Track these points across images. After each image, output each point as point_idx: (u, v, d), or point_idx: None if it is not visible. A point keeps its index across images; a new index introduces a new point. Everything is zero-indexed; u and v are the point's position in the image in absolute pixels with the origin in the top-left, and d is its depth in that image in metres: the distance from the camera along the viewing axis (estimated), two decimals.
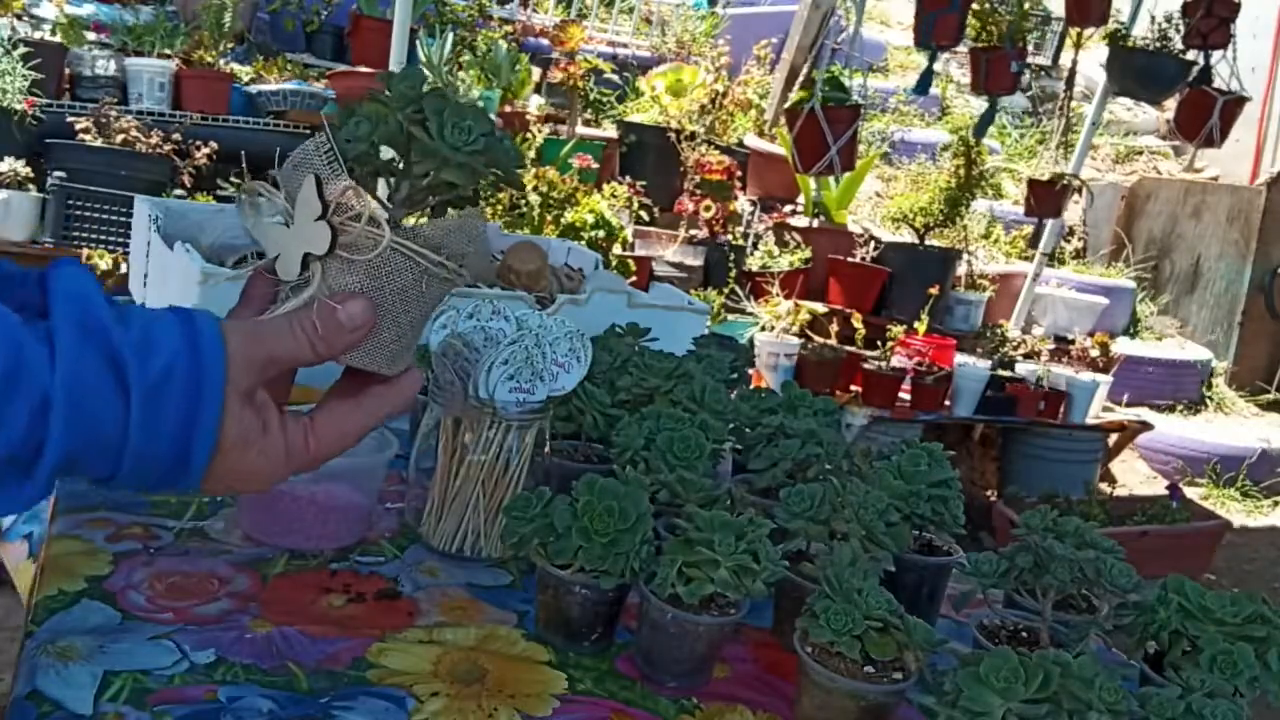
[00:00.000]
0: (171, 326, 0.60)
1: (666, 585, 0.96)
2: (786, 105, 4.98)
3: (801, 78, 5.95)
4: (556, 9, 7.25)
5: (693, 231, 5.57)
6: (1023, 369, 5.06)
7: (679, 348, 1.50)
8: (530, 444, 1.18)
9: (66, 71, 4.66)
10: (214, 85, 4.80)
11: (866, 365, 4.59)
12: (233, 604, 1.01)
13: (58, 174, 4.10)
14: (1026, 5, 4.67)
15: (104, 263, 3.88)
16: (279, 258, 0.68)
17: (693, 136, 5.85)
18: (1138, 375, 5.99)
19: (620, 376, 1.36)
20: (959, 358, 4.86)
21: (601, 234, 4.75)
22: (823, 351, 4.70)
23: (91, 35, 4.90)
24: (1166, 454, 5.68)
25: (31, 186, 4.14)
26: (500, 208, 4.71)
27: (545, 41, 6.41)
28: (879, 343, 4.83)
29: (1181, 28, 4.71)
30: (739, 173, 5.98)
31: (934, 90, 7.78)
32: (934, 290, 5.17)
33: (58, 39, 4.76)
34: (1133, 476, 5.59)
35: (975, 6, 4.63)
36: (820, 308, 5.13)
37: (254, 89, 4.98)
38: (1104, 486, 5.28)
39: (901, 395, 4.62)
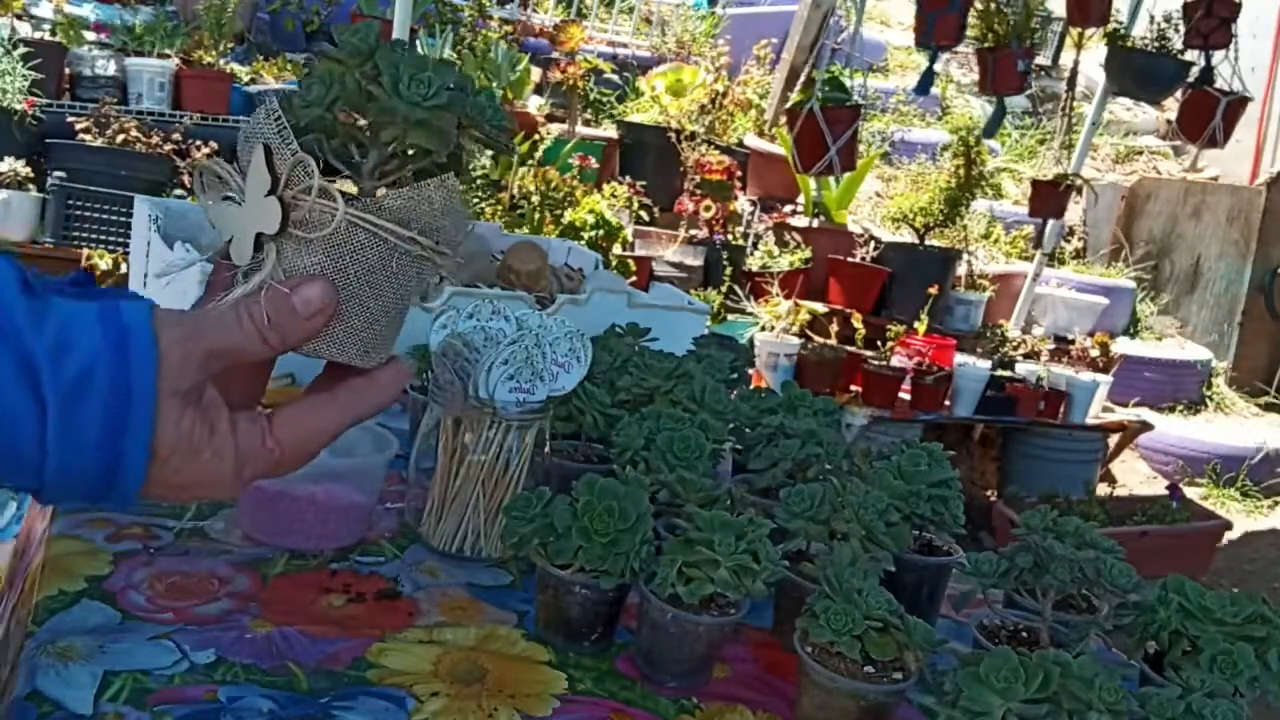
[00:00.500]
0: (91, 324, 0.53)
1: (666, 585, 0.96)
2: (786, 105, 4.99)
3: (802, 78, 5.95)
4: (556, 9, 7.25)
5: (693, 231, 5.58)
6: (1023, 369, 5.06)
7: (679, 348, 1.51)
8: (530, 444, 1.18)
9: (66, 71, 4.66)
10: (214, 85, 4.81)
11: (866, 365, 4.59)
12: (233, 604, 1.01)
13: (58, 174, 4.11)
14: (1031, 4, 4.66)
15: (104, 263, 3.88)
16: (232, 240, 0.61)
17: (693, 136, 5.86)
18: (1138, 375, 5.99)
19: (620, 376, 1.36)
20: (959, 358, 4.86)
21: (601, 234, 4.75)
22: (823, 351, 4.70)
23: (91, 35, 4.91)
24: (1166, 454, 5.68)
25: (31, 186, 4.15)
26: (500, 207, 4.71)
27: (545, 41, 6.42)
28: (879, 343, 4.83)
29: (1181, 28, 4.72)
30: (739, 173, 5.98)
31: (934, 90, 7.78)
32: (934, 290, 5.17)
33: (58, 39, 4.76)
34: (1133, 476, 5.59)
35: (979, 6, 4.63)
36: (820, 308, 5.13)
37: (254, 89, 4.98)
38: (1104, 486, 5.29)
39: (901, 395, 4.62)
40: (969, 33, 4.61)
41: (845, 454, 1.26)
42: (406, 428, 1.43)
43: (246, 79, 5.11)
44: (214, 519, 1.18)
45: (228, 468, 0.59)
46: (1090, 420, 4.99)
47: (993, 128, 5.12)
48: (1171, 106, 5.08)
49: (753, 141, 6.41)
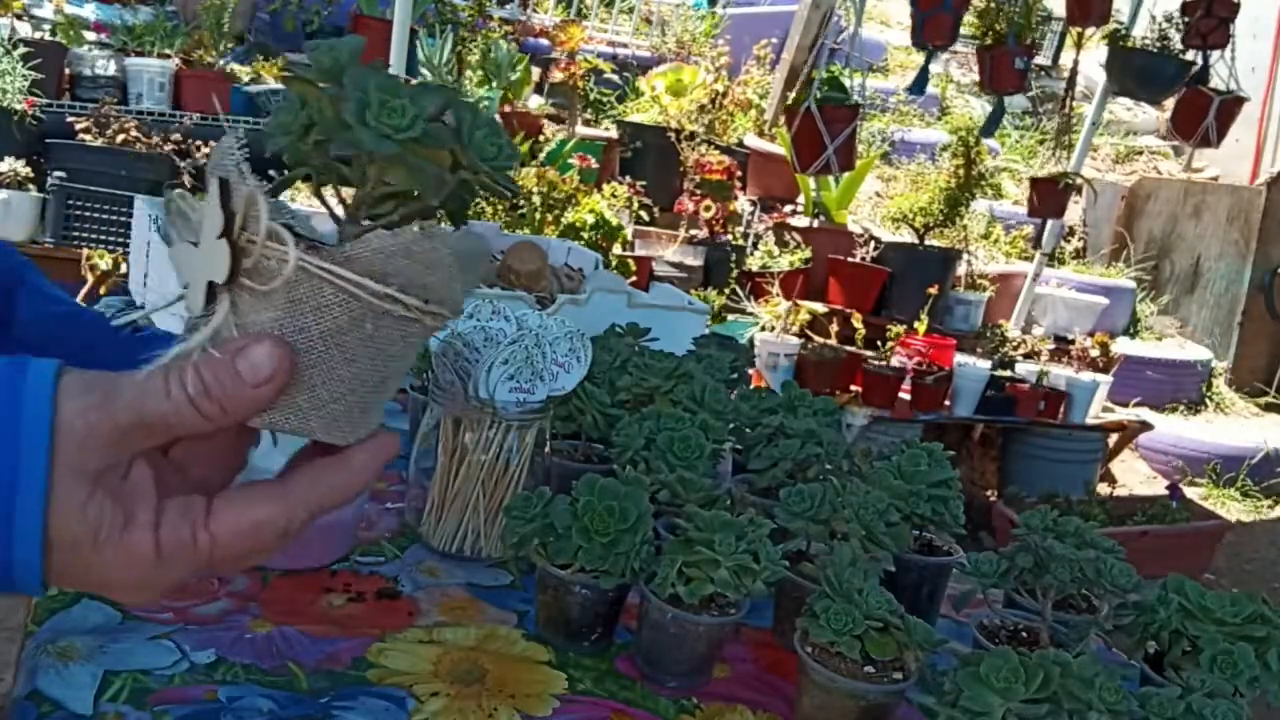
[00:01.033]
0: None
1: (666, 585, 0.96)
2: (786, 105, 4.98)
3: (802, 78, 5.95)
4: (556, 9, 7.26)
5: (693, 231, 5.58)
6: (1023, 369, 5.06)
7: (679, 348, 1.51)
8: (530, 444, 1.18)
9: (66, 71, 4.66)
10: (214, 85, 4.80)
11: (866, 365, 4.59)
12: (233, 604, 1.01)
13: (58, 174, 4.11)
14: (1031, 2, 4.66)
15: (104, 263, 3.88)
16: (188, 288, 0.52)
17: (693, 136, 5.86)
18: (1138, 375, 5.99)
19: (620, 376, 1.36)
20: (959, 358, 4.86)
21: (601, 234, 4.75)
22: (823, 351, 4.70)
23: (91, 35, 4.91)
24: (1166, 454, 5.68)
25: (31, 186, 4.15)
26: (500, 207, 4.71)
27: (545, 41, 6.42)
28: (879, 343, 4.83)
29: (1181, 28, 4.71)
30: (739, 173, 5.98)
31: (934, 90, 7.79)
32: (934, 290, 5.17)
33: (58, 39, 4.76)
34: (1133, 476, 5.59)
35: (979, 4, 4.63)
36: (820, 308, 5.13)
37: (254, 89, 4.98)
38: (1104, 486, 5.28)
39: (901, 395, 4.62)
40: (969, 32, 4.61)
41: (845, 454, 1.27)
42: (406, 428, 1.43)
43: (246, 79, 5.11)
44: None
45: (140, 569, 0.49)
46: (1090, 420, 4.98)
47: (992, 127, 5.12)
48: (1171, 106, 5.08)
49: (753, 141, 6.41)
